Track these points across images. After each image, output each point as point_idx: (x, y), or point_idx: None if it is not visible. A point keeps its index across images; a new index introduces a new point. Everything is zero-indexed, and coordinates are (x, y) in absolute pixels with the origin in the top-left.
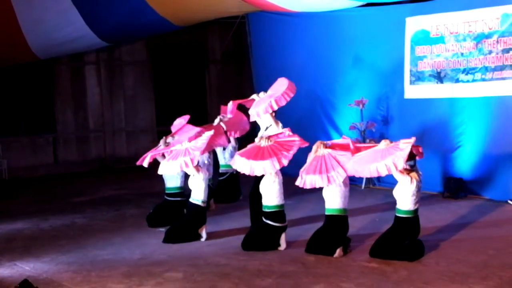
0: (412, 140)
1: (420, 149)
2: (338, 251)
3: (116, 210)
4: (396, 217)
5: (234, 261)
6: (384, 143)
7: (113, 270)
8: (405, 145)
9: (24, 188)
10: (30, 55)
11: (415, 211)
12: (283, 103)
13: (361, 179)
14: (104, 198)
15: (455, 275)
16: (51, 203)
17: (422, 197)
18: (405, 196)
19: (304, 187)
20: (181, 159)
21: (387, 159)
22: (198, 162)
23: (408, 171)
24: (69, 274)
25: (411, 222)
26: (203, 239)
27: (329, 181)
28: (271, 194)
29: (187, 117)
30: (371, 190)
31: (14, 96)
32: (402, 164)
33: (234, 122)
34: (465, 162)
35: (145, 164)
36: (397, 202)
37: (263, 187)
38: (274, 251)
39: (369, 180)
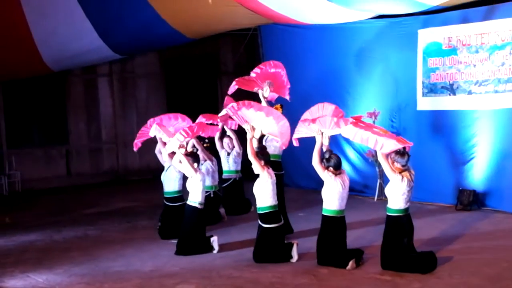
0: (410, 144)
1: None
2: (351, 263)
3: (128, 222)
4: (388, 216)
5: (247, 273)
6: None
7: (126, 282)
8: (402, 140)
9: (37, 199)
10: (43, 68)
11: (406, 210)
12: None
13: (373, 191)
14: (117, 210)
15: None
16: (64, 215)
17: (435, 209)
18: (396, 195)
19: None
20: (180, 130)
21: (381, 137)
22: (198, 165)
23: (400, 169)
24: (82, 285)
25: (402, 220)
26: (215, 251)
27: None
28: (264, 195)
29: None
30: (383, 202)
31: (27, 108)
32: (388, 150)
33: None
34: (478, 174)
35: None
36: (388, 200)
37: (256, 189)
38: (286, 263)
39: (382, 192)
